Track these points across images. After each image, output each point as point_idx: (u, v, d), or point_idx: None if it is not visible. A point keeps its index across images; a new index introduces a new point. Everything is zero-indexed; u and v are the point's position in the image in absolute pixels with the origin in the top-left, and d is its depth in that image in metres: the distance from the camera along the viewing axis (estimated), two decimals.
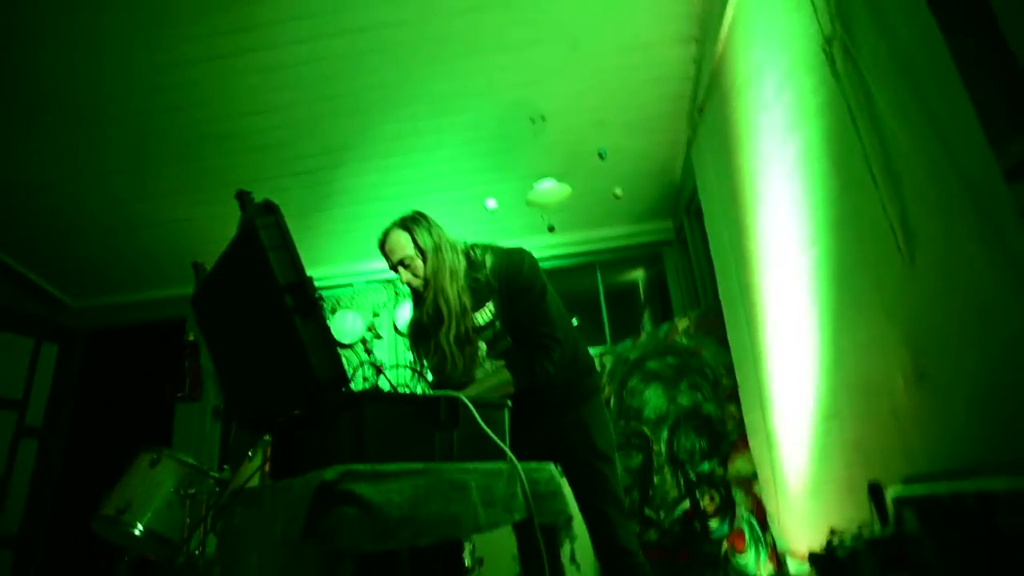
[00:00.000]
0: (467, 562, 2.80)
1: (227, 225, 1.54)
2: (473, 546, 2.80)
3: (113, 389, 4.96)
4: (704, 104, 2.82)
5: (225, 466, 2.71)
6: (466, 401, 1.35)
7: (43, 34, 2.59)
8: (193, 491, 2.39)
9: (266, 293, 1.25)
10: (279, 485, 1.32)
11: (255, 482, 2.04)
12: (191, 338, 4.25)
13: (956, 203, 1.15)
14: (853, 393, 1.65)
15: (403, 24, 2.65)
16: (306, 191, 3.61)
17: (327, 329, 1.25)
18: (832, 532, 1.27)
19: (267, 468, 2.01)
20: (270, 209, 1.25)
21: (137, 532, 2.32)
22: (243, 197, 1.31)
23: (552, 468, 1.43)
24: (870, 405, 1.56)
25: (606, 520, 1.80)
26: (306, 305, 1.22)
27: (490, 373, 1.87)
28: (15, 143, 3.18)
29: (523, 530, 1.39)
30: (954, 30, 1.15)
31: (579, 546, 1.61)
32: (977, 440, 1.17)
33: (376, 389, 1.52)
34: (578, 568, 1.40)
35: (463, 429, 1.36)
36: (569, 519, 1.41)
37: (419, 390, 2.04)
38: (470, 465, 1.28)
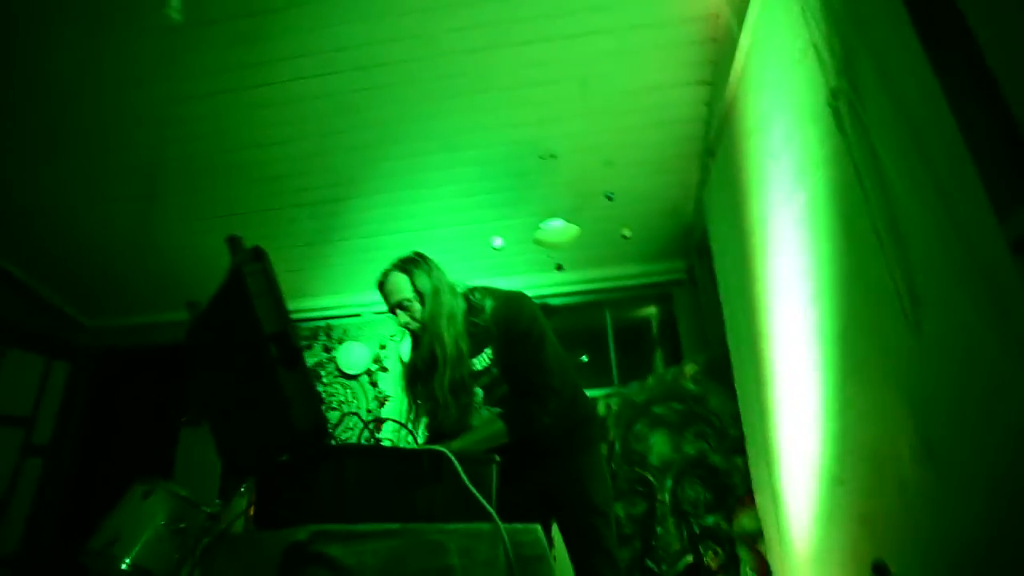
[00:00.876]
0: None
1: None
2: None
3: (122, 409, 4.97)
4: (715, 147, 2.80)
5: (217, 500, 2.68)
6: (450, 456, 1.31)
7: (56, 64, 2.68)
8: (184, 525, 2.35)
9: (251, 340, 1.23)
10: (255, 538, 1.29)
11: (240, 525, 2.00)
12: None
13: (962, 272, 1.10)
14: (859, 461, 1.58)
15: (411, 61, 2.68)
16: (314, 222, 3.64)
17: (310, 380, 1.23)
18: None
19: (251, 511, 1.97)
20: (259, 256, 1.24)
21: (124, 567, 2.28)
22: (233, 242, 1.31)
23: (538, 530, 1.38)
24: (877, 476, 1.49)
25: None
26: (290, 355, 1.20)
27: (485, 421, 1.82)
28: (30, 168, 3.28)
29: None
30: (958, 93, 1.11)
31: None
32: (989, 524, 1.10)
33: (358, 443, 1.49)
34: None
35: (447, 484, 1.31)
36: None
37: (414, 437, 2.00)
38: (450, 526, 1.23)
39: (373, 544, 1.12)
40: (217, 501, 2.66)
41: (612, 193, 3.10)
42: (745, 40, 2.21)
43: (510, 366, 1.81)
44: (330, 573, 1.07)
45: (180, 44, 2.56)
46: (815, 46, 1.61)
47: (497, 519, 1.27)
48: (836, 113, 1.54)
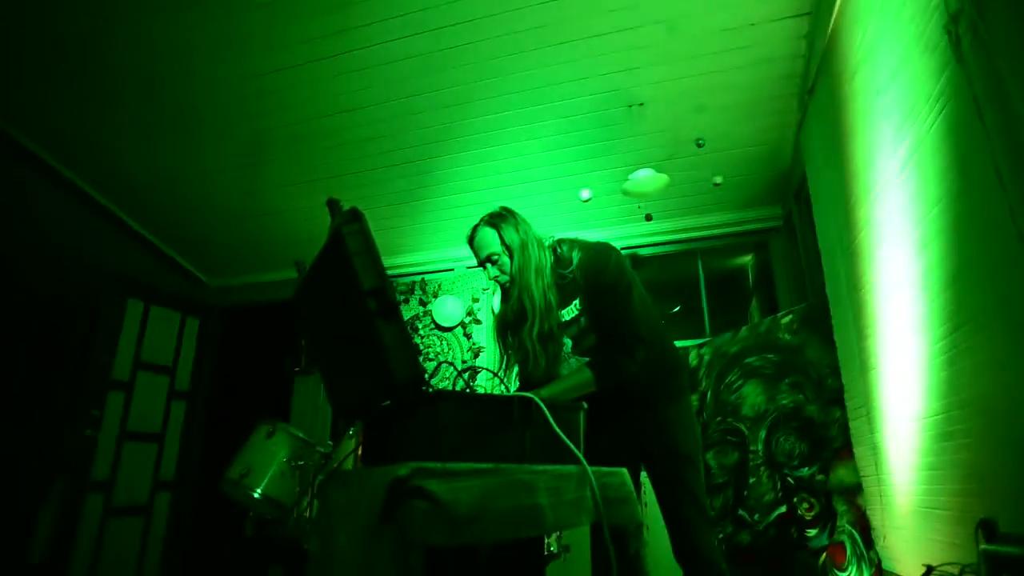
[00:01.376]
0: (553, 548, 2.86)
1: None
2: (560, 534, 2.85)
3: (244, 360, 5.50)
4: (815, 85, 2.61)
5: (330, 441, 2.94)
6: (540, 403, 1.37)
7: (165, 45, 2.92)
8: (302, 462, 2.62)
9: (352, 296, 1.33)
10: (364, 472, 1.42)
11: (350, 463, 2.20)
12: None
13: None
14: (971, 415, 1.49)
15: (491, 17, 2.67)
16: (405, 181, 3.77)
17: (406, 331, 1.31)
18: (928, 569, 1.17)
19: (359, 452, 2.16)
20: (356, 216, 1.33)
21: (256, 495, 2.59)
22: (332, 205, 1.41)
23: (625, 474, 1.43)
24: (989, 430, 1.40)
25: (687, 525, 1.77)
26: (387, 309, 1.29)
27: (573, 371, 1.87)
28: (152, 142, 3.62)
29: (595, 533, 1.40)
30: None
31: (658, 549, 1.59)
32: None
33: (452, 390, 1.58)
34: (648, 573, 1.39)
35: (536, 429, 1.38)
36: (640, 525, 1.41)
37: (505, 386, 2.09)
38: (539, 467, 1.30)
39: (467, 481, 1.21)
40: (329, 442, 2.93)
41: (703, 139, 2.97)
42: None
43: (597, 316, 1.83)
44: (429, 505, 1.17)
45: (271, 18, 2.70)
46: None
47: (584, 462, 1.33)
48: (954, 39, 1.40)
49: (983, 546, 0.98)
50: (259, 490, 2.58)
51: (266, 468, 2.61)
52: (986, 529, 1.20)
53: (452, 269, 4.60)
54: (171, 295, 4.86)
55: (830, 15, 2.26)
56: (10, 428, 5.26)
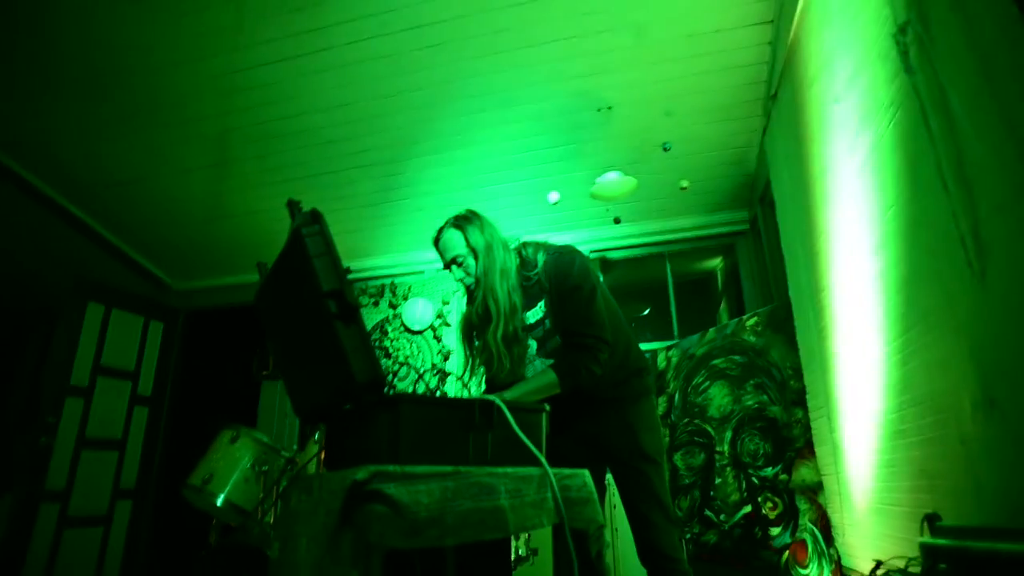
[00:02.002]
0: (522, 551, 2.86)
1: None
2: (528, 537, 2.85)
3: (209, 364, 5.39)
4: (778, 91, 2.66)
5: (294, 446, 2.90)
6: (501, 405, 1.38)
7: (125, 42, 2.85)
8: (266, 468, 2.58)
9: (312, 298, 1.32)
10: (324, 477, 1.40)
11: (313, 467, 2.17)
12: None
13: None
14: (921, 413, 1.53)
15: (462, 18, 2.68)
16: (373, 182, 3.74)
17: (366, 334, 1.30)
18: (877, 564, 1.19)
19: (323, 456, 2.14)
20: (316, 218, 1.32)
21: (219, 502, 2.54)
22: (292, 206, 1.39)
23: (586, 475, 1.43)
24: (938, 429, 1.45)
25: (649, 525, 1.79)
26: (347, 311, 1.28)
27: (537, 373, 1.87)
28: (111, 142, 3.53)
29: (556, 535, 1.40)
30: None
31: (622, 549, 1.60)
32: None
33: (413, 393, 1.57)
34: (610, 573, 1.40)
35: (498, 432, 1.38)
36: (600, 527, 1.41)
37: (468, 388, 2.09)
38: (500, 469, 1.30)
39: (427, 484, 1.21)
40: (294, 447, 2.88)
41: (670, 143, 3.01)
42: None
43: (562, 319, 1.84)
44: (387, 508, 1.16)
45: (239, 15, 2.66)
46: None
47: (545, 463, 1.33)
48: (902, 48, 1.45)
49: (920, 539, 1.01)
50: (222, 496, 2.53)
51: (229, 474, 2.56)
52: (930, 523, 1.23)
53: (422, 272, 4.58)
54: (134, 298, 4.73)
55: (791, 23, 2.32)
56: None
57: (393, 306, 4.57)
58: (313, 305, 1.33)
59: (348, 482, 1.16)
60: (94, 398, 4.29)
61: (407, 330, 4.47)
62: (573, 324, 1.82)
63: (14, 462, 4.02)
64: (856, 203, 1.83)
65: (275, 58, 2.86)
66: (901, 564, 1.15)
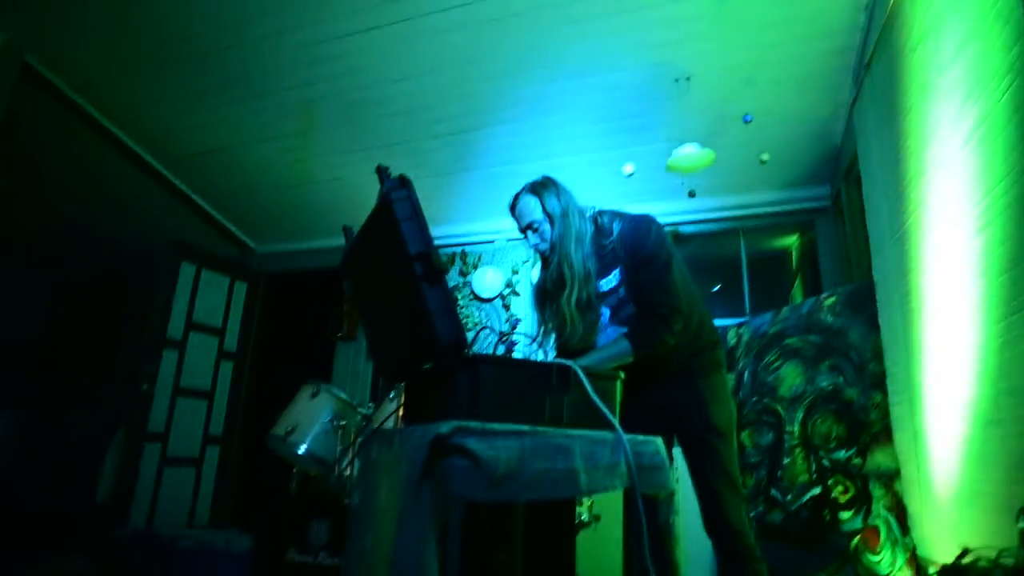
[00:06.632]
0: (585, 517, 2.92)
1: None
2: (591, 503, 2.90)
3: (288, 324, 5.69)
4: (872, 59, 2.51)
5: (370, 403, 3.05)
6: (578, 370, 1.40)
7: (223, 15, 2.98)
8: (344, 422, 2.73)
9: (399, 260, 1.38)
10: (406, 431, 1.48)
11: (391, 423, 2.28)
12: None
13: None
14: (1019, 402, 1.46)
15: None
16: (449, 151, 3.80)
17: (451, 296, 1.36)
18: (965, 551, 1.16)
19: (401, 412, 2.24)
20: (404, 183, 1.37)
21: (301, 452, 2.71)
22: (381, 172, 1.45)
23: (659, 442, 1.45)
24: None
25: (717, 497, 1.78)
26: (432, 274, 1.33)
27: (611, 341, 1.88)
28: (205, 113, 3.73)
29: (627, 500, 1.43)
30: None
31: (686, 518, 1.62)
32: None
33: (492, 355, 1.62)
34: (677, 541, 1.42)
35: (574, 395, 1.41)
36: (671, 495, 1.43)
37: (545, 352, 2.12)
38: (576, 431, 1.34)
39: (506, 441, 1.26)
40: (370, 404, 3.03)
41: (751, 115, 2.90)
42: None
43: (637, 287, 1.84)
44: (469, 462, 1.22)
45: None
46: None
47: (619, 428, 1.36)
48: None
49: (1020, 525, 0.98)
50: (304, 446, 2.70)
51: (310, 426, 2.73)
52: None
53: (493, 241, 4.63)
54: (221, 259, 5.05)
55: None
56: (83, 382, 5.66)
57: (463, 274, 4.66)
58: (400, 267, 1.39)
59: (431, 435, 1.22)
60: (187, 351, 4.64)
61: (476, 298, 4.56)
62: (648, 293, 1.82)
63: (126, 403, 4.44)
64: (958, 178, 1.72)
65: (359, 28, 2.93)
66: (992, 555, 1.11)
